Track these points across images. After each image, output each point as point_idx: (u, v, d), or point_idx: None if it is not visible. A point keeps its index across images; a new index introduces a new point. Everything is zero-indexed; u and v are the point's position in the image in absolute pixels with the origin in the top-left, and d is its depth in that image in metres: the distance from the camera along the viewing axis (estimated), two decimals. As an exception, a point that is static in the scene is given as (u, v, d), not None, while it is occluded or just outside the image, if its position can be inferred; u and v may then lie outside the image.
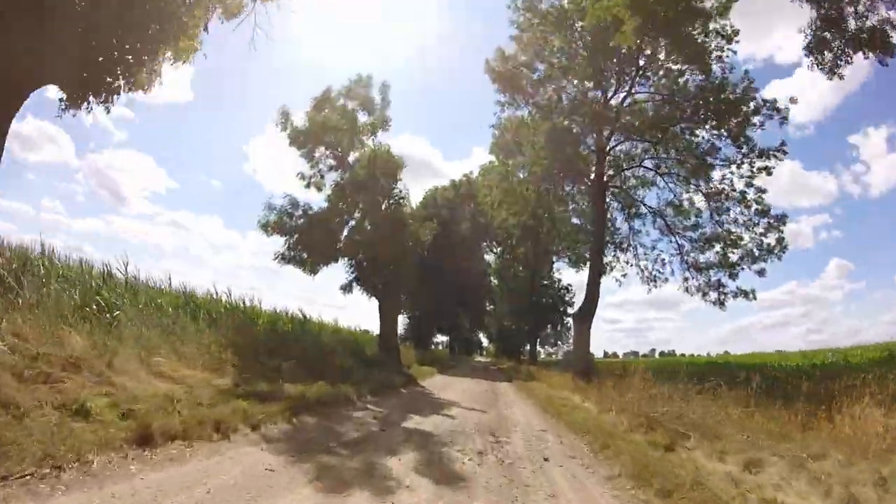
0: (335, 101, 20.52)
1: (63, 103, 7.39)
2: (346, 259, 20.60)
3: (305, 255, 19.42)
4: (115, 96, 7.63)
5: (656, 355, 69.50)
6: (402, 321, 42.06)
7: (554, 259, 41.20)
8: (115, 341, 7.41)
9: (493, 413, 11.49)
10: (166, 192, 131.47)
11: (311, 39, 64.31)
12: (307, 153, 20.20)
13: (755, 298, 22.61)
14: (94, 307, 8.91)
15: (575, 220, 31.45)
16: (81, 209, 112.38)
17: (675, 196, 24.44)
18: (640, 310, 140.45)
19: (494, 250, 45.27)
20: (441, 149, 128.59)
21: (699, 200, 23.58)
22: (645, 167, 24.46)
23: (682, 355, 49.21)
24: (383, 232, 19.52)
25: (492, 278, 46.68)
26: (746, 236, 22.32)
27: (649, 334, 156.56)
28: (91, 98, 7.46)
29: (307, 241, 19.23)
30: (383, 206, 20.02)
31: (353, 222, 20.51)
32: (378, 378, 14.03)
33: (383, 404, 10.59)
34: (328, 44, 72.16)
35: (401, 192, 20.54)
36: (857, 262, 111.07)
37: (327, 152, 20.49)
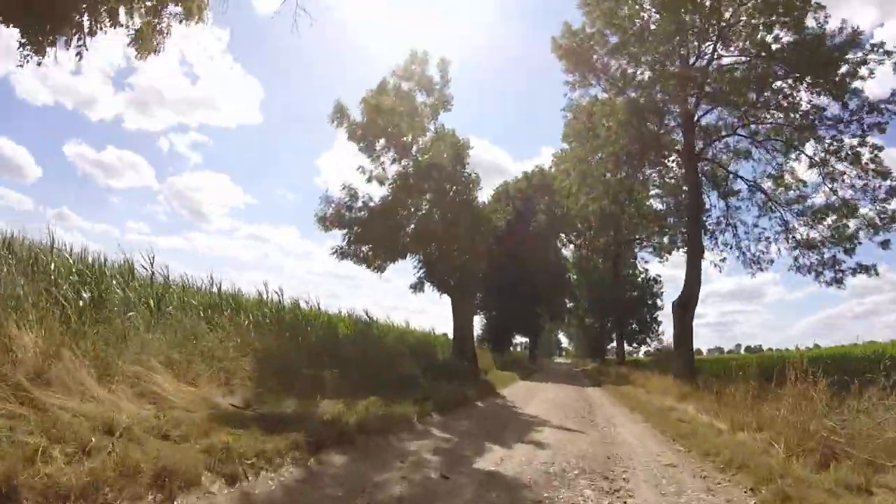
0: (390, 86, 18.47)
1: (24, 48, 5.72)
2: (413, 255, 18.49)
3: (367, 250, 17.55)
4: (88, 37, 5.86)
5: (741, 351, 60.85)
6: (478, 322, 39.69)
7: (637, 249, 36.81)
8: (108, 346, 5.68)
9: (594, 434, 8.66)
10: (244, 206, 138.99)
11: (366, 49, 64.10)
12: (367, 146, 18.27)
13: (877, 273, 18.46)
14: (111, 309, 7.35)
15: (659, 206, 27.49)
16: (165, 228, 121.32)
17: (774, 166, 20.26)
18: (723, 303, 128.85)
19: (574, 242, 41.52)
20: (509, 150, 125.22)
21: (803, 169, 19.62)
22: (739, 135, 20.30)
23: (770, 350, 41.71)
24: (453, 219, 17.24)
25: (570, 273, 42.88)
26: (864, 206, 18.39)
27: (734, 328, 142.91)
28: (57, 40, 5.70)
29: (369, 235, 17.33)
30: (451, 193, 17.68)
31: (420, 213, 18.34)
32: (449, 389, 11.60)
33: (452, 427, 8.05)
34: (388, 52, 71.95)
35: (469, 175, 18.12)
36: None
37: (388, 144, 18.48)
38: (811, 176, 19.52)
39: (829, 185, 18.83)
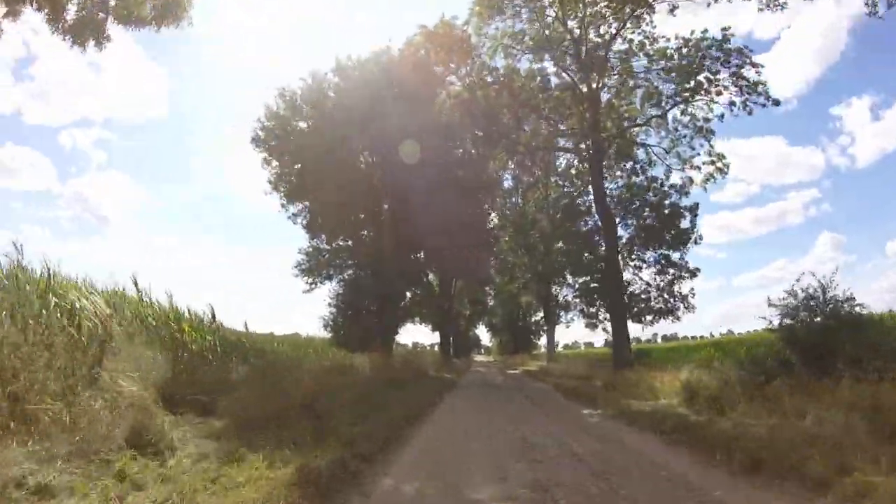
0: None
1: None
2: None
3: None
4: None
5: (658, 340, 50.06)
6: (324, 296, 21.23)
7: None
8: None
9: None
10: (153, 210, 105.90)
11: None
12: None
13: None
14: None
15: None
16: (66, 233, 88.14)
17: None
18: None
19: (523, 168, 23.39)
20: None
21: None
22: None
23: (686, 338, 36.70)
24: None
25: (493, 219, 25.46)
26: None
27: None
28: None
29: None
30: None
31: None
32: None
33: None
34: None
35: None
36: (849, 235, 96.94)
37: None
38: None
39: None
